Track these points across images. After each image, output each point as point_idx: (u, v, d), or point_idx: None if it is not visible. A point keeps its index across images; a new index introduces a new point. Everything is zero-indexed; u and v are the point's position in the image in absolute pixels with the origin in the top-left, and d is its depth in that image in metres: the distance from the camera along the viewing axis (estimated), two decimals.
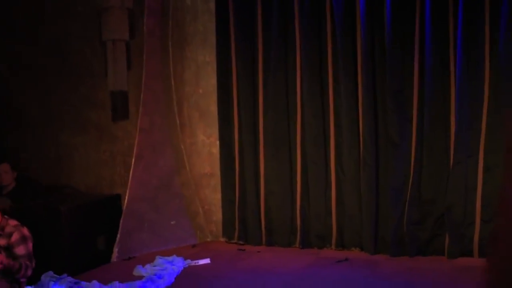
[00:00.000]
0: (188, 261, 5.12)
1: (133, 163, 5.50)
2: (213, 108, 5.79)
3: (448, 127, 5.00)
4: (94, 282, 4.38)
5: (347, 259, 4.99)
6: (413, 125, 5.02)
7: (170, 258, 5.10)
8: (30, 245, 4.45)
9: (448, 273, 4.55)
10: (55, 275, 4.28)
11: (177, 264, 5.00)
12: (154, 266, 4.95)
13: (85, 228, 5.27)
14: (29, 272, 4.37)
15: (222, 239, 5.81)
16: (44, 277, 4.26)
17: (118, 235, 5.34)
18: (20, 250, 4.39)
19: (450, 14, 4.90)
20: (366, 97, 5.10)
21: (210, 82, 5.79)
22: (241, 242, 5.65)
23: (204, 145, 5.87)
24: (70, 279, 4.30)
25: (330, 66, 5.28)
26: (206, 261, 5.14)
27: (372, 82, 5.10)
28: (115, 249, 5.31)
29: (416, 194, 5.01)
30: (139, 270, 4.85)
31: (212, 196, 5.87)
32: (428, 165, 5.01)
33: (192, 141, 5.89)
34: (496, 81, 4.82)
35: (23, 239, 4.41)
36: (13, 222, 4.46)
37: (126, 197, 5.46)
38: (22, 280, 4.33)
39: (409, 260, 4.94)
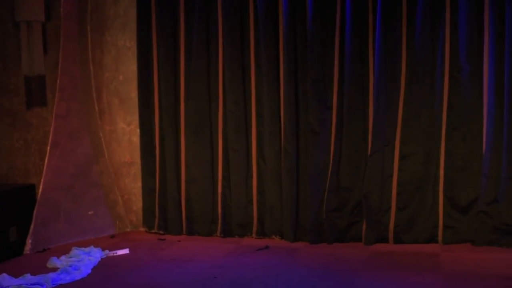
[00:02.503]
0: (106, 251, 5.00)
1: (48, 151, 5.30)
2: (134, 95, 5.66)
3: (366, 116, 5.09)
4: (4, 275, 4.20)
5: (268, 247, 5.02)
6: (333, 113, 5.09)
7: (87, 249, 4.97)
8: None
9: (364, 259, 4.66)
10: None
11: (94, 255, 4.87)
12: (70, 257, 4.80)
13: None
14: None
15: (142, 229, 5.72)
16: None
17: (32, 226, 5.14)
18: None
19: (370, 6, 4.99)
20: (287, 85, 5.12)
21: (130, 68, 5.65)
22: (161, 232, 5.57)
23: (124, 133, 5.73)
24: None
25: (252, 53, 5.27)
26: (125, 251, 5.04)
27: (293, 70, 5.13)
28: (28, 241, 5.12)
29: (335, 181, 5.09)
30: (53, 262, 4.69)
31: (132, 185, 5.75)
32: (347, 153, 5.10)
33: (111, 129, 5.74)
34: (411, 73, 4.96)
35: None
36: None
37: (41, 186, 5.25)
38: None
39: (328, 247, 5.03)
